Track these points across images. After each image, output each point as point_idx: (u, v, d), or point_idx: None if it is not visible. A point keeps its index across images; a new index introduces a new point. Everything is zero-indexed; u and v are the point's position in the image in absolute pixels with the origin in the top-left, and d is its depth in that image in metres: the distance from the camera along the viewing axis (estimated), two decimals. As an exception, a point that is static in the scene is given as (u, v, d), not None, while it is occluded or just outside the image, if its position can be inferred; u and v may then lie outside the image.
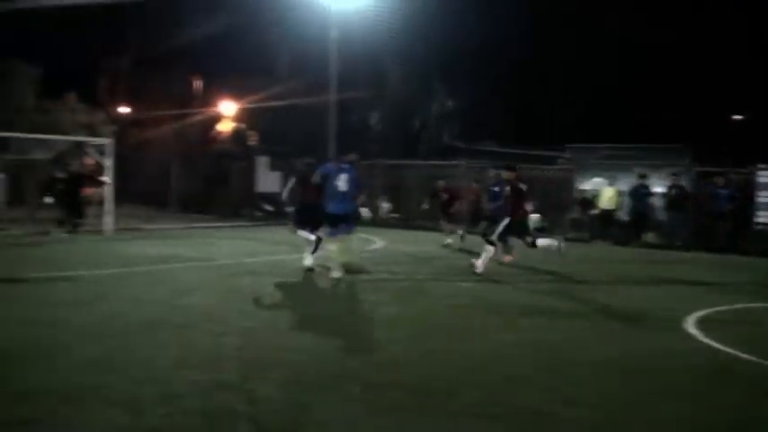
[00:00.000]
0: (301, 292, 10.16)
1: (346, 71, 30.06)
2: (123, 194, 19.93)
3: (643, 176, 20.26)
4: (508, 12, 38.14)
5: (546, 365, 6.52)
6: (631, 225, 20.82)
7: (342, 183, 11.34)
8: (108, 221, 18.19)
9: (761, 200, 19.52)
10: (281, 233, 18.24)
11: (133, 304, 8.80)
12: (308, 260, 12.02)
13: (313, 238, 12.03)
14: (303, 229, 12.34)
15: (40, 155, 19.50)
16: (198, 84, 47.91)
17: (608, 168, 22.00)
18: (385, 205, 26.54)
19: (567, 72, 39.35)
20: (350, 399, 5.38)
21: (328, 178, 11.35)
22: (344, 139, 29.39)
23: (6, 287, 9.98)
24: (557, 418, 5.10)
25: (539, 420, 5.07)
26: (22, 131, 20.80)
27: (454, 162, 26.64)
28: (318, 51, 31.51)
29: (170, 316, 8.12)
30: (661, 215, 20.93)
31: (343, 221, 11.61)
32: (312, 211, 11.70)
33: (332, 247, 11.57)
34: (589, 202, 21.83)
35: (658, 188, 21.06)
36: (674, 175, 20.22)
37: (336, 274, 11.33)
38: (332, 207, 11.33)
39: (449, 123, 41.40)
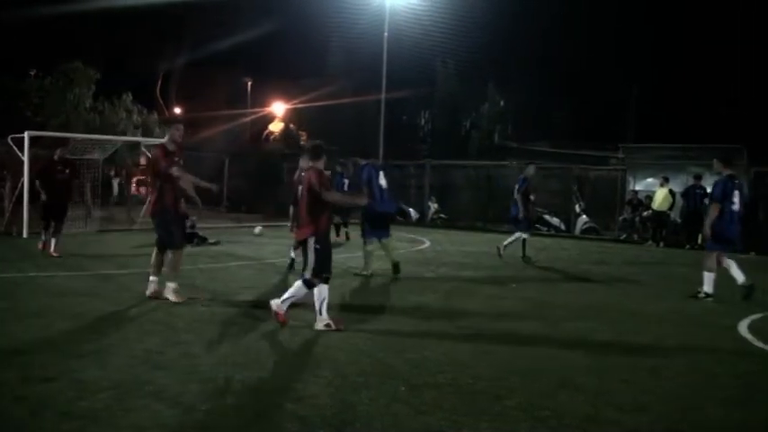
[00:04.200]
0: (346, 292, 10.19)
1: (397, 71, 30.13)
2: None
3: (698, 177, 19.84)
4: (562, 12, 37.83)
5: (597, 368, 6.44)
6: (685, 226, 20.41)
7: (384, 181, 11.46)
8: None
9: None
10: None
11: (185, 301, 8.93)
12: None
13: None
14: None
15: (96, 155, 19.91)
16: (250, 84, 48.50)
17: (662, 169, 21.60)
18: (433, 205, 26.46)
19: (623, 72, 38.82)
20: (396, 398, 5.37)
21: (372, 179, 11.40)
22: (394, 139, 29.49)
23: (65, 283, 10.22)
24: (607, 423, 5.02)
25: (588, 424, 4.98)
26: (77, 132, 21.27)
27: (504, 162, 26.50)
28: (370, 51, 31.66)
29: (219, 314, 8.23)
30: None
31: (388, 221, 11.77)
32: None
33: (371, 247, 11.70)
34: (641, 202, 21.48)
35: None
36: (698, 176, 19.80)
37: (366, 272, 11.57)
38: (380, 206, 11.37)
39: (501, 123, 41.13)
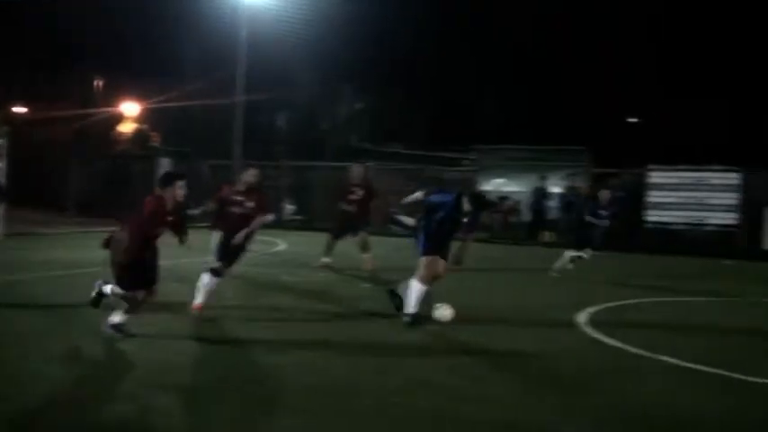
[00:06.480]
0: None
1: (254, 71, 29.77)
2: (17, 198, 19.09)
3: (542, 178, 20.85)
4: (417, 15, 38.66)
5: (446, 365, 6.62)
6: (529, 225, 21.43)
7: None
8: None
9: (651, 199, 20.42)
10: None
11: (19, 312, 8.43)
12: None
13: None
14: None
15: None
16: (99, 84, 46.54)
17: (511, 169, 22.53)
18: (289, 207, 26.36)
19: (475, 74, 40.13)
20: (249, 402, 5.32)
21: None
22: (250, 139, 29.12)
23: None
24: (457, 417, 5.17)
25: (438, 419, 5.12)
26: None
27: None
28: (226, 51, 31.10)
29: (60, 324, 7.83)
30: (556, 215, 21.69)
31: None
32: None
33: None
34: (492, 203, 22.29)
35: (556, 189, 21.82)
36: (542, 177, 20.90)
37: None
38: None
39: (357, 125, 41.51)
